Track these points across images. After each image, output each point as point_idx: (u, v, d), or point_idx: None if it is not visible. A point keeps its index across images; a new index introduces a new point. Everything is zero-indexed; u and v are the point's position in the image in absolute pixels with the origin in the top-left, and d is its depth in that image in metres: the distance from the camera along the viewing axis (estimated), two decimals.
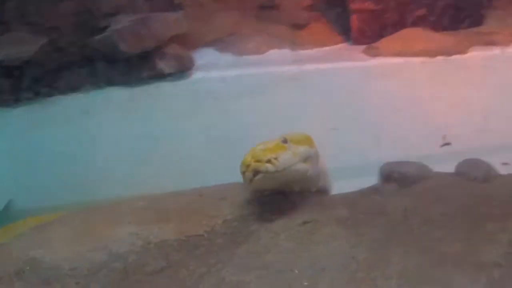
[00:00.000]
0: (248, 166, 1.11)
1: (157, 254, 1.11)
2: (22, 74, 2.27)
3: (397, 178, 1.32)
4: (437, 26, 2.51)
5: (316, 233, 1.13)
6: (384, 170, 1.35)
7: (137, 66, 2.34)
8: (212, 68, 2.45)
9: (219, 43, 2.56)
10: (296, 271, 1.03)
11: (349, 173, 1.85)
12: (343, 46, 2.58)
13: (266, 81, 2.38)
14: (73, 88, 2.34)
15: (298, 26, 2.63)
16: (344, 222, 1.18)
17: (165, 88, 2.37)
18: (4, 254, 1.20)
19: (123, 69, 2.34)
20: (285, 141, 1.17)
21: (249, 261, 1.07)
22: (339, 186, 1.41)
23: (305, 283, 1.00)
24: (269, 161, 1.10)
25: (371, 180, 1.37)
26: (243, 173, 1.13)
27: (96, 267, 1.09)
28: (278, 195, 1.24)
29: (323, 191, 1.37)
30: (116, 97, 2.35)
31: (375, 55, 2.38)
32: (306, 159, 1.19)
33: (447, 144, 1.37)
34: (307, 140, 1.24)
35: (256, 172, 1.11)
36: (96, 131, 2.35)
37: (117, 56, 2.29)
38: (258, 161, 1.11)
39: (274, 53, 2.56)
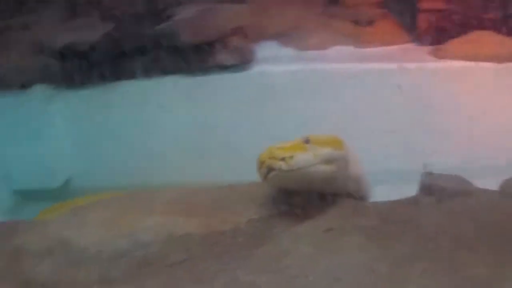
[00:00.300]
0: (262, 162, 1.11)
1: (178, 246, 1.12)
2: (88, 58, 2.33)
3: (436, 190, 1.27)
4: (509, 30, 2.38)
5: (339, 241, 1.11)
6: (424, 181, 1.31)
7: (198, 56, 2.37)
8: (273, 61, 2.44)
9: (282, 36, 2.55)
10: (311, 278, 1.02)
11: (401, 178, 1.81)
12: (409, 46, 2.51)
13: (326, 77, 2.35)
14: (136, 75, 2.39)
15: (363, 23, 2.57)
16: (371, 232, 1.15)
17: (224, 79, 2.39)
18: (43, 230, 1.25)
19: (184, 59, 2.37)
20: (307, 141, 1.14)
21: (265, 263, 1.06)
22: (387, 191, 1.37)
23: None
24: (283, 159, 1.08)
25: None
26: (259, 169, 1.12)
27: (119, 254, 1.12)
28: (308, 198, 1.23)
29: (359, 197, 1.34)
30: (176, 86, 2.39)
31: (442, 57, 2.30)
32: (329, 161, 1.15)
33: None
34: (335, 143, 1.20)
35: (270, 170, 1.10)
36: (155, 117, 2.40)
37: (179, 45, 2.32)
38: (272, 158, 1.09)
39: (337, 50, 2.52)
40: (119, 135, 2.47)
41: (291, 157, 1.09)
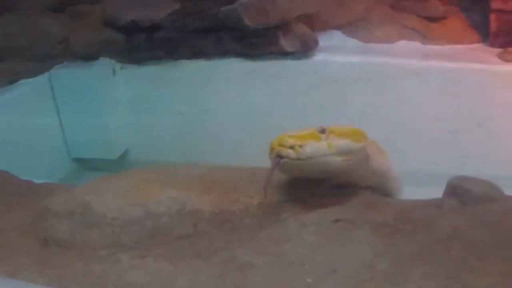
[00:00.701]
0: (272, 149, 1.10)
1: (187, 221, 1.14)
2: (152, 35, 2.39)
3: (461, 194, 1.23)
4: None
5: (345, 233, 1.10)
6: (450, 183, 1.26)
7: (261, 41, 2.38)
8: (336, 52, 2.42)
9: (348, 27, 2.51)
10: (306, 266, 1.01)
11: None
12: (477, 47, 2.41)
13: (389, 72, 2.31)
14: (197, 55, 2.44)
15: (432, 19, 2.49)
16: (381, 228, 1.13)
17: (285, 66, 2.39)
18: (70, 194, 1.31)
19: (246, 42, 2.39)
20: (322, 131, 1.11)
21: (266, 246, 1.07)
22: (436, 193, 1.33)
23: (309, 280, 0.98)
24: (292, 147, 1.07)
25: None
26: (269, 156, 1.11)
27: (131, 221, 1.16)
28: (324, 187, 1.22)
29: (383, 193, 1.32)
30: (236, 68, 2.42)
31: (509, 60, 2.19)
32: (345, 153, 1.12)
33: None
34: (354, 134, 1.16)
35: (278, 157, 1.08)
36: (213, 98, 2.45)
37: (242, 29, 2.33)
38: (281, 145, 1.08)
39: (402, 44, 2.46)
40: (177, 112, 2.53)
41: (301, 146, 1.07)
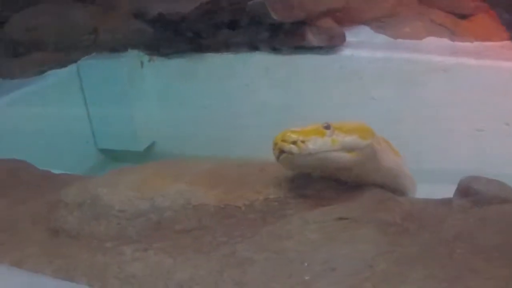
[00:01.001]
0: (276, 144, 1.09)
1: (191, 215, 1.15)
2: (179, 28, 2.41)
3: (472, 194, 1.21)
4: None
5: (348, 231, 1.09)
6: (461, 183, 1.24)
7: (287, 35, 2.38)
8: (363, 47, 2.40)
9: (376, 22, 2.49)
10: (306, 264, 1.01)
11: None
12: (506, 44, 2.34)
13: (416, 68, 2.29)
14: (224, 48, 2.44)
15: (462, 16, 2.44)
16: (386, 227, 1.12)
17: (311, 60, 2.39)
18: (83, 185, 1.33)
19: (273, 36, 2.38)
20: (327, 127, 1.10)
21: (267, 242, 1.07)
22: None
23: (306, 278, 0.98)
24: (295, 142, 1.06)
25: None
26: (273, 151, 1.11)
27: (137, 214, 1.17)
28: (331, 185, 1.21)
29: (394, 191, 1.30)
30: (262, 62, 2.43)
31: None
32: (351, 149, 1.11)
33: None
34: (361, 131, 1.14)
35: (281, 152, 1.08)
36: (239, 91, 2.44)
37: (268, 23, 2.33)
38: (284, 141, 1.07)
39: (431, 41, 2.42)
40: (203, 105, 2.55)
41: (304, 141, 1.06)
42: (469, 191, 1.22)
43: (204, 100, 2.56)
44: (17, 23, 2.50)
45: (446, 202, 1.23)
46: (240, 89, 2.51)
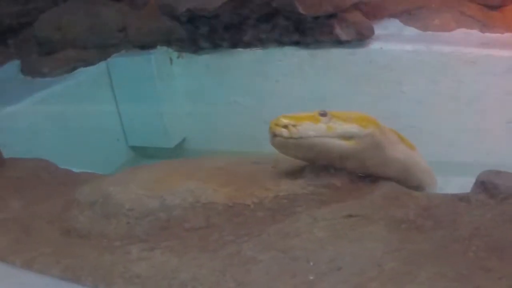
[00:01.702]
0: (270, 128, 1.11)
1: (200, 213, 1.14)
2: (208, 24, 2.40)
3: (490, 189, 1.16)
4: None
5: (357, 229, 1.06)
6: (480, 177, 1.19)
7: (316, 29, 2.35)
8: (393, 40, 2.36)
9: (405, 15, 2.43)
10: (311, 263, 0.99)
11: None
12: None
13: (446, 61, 2.23)
14: (253, 44, 2.42)
15: (492, 7, 2.36)
16: (397, 224, 1.08)
17: (340, 54, 2.36)
18: (97, 184, 1.33)
19: (301, 31, 2.36)
20: (324, 114, 1.12)
21: (274, 240, 1.05)
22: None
23: (311, 277, 0.95)
24: (286, 126, 1.08)
25: None
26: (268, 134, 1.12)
27: (146, 212, 1.16)
28: (347, 180, 1.18)
29: (411, 186, 1.27)
30: (292, 57, 2.41)
31: None
32: (349, 137, 1.12)
33: None
34: (362, 120, 1.15)
35: (274, 136, 1.10)
36: (269, 86, 2.43)
37: (296, 17, 2.30)
38: (276, 125, 1.09)
39: (461, 33, 2.35)
40: (233, 101, 2.53)
41: (295, 125, 1.08)
42: (487, 186, 1.17)
43: (234, 96, 2.55)
44: (47, 21, 2.53)
45: (464, 197, 1.19)
46: (270, 85, 2.49)
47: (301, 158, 1.19)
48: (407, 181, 1.25)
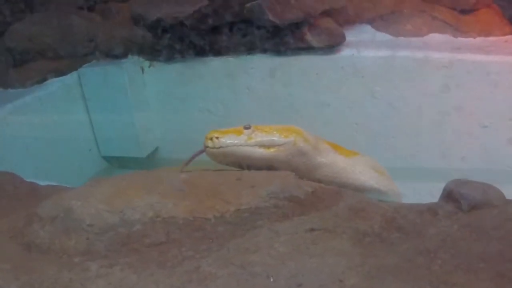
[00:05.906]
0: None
1: (160, 228, 1.11)
2: (178, 33, 2.37)
3: (457, 199, 1.14)
4: None
5: (319, 243, 1.04)
6: (447, 187, 1.18)
7: (286, 36, 2.33)
8: (364, 46, 2.35)
9: (378, 20, 2.43)
10: (271, 279, 0.96)
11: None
12: (510, 38, 2.27)
13: (418, 66, 2.23)
14: (225, 51, 2.40)
15: (464, 11, 2.37)
16: (361, 237, 1.06)
17: (311, 61, 2.35)
18: (58, 198, 1.29)
19: (272, 38, 2.34)
20: (248, 127, 1.31)
21: (233, 256, 1.02)
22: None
23: None
24: (211, 138, 1.29)
25: None
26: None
27: (106, 228, 1.13)
28: (311, 192, 1.16)
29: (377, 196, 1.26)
30: (262, 63, 2.39)
31: None
32: (269, 146, 1.30)
33: None
34: (283, 131, 1.31)
35: (205, 147, 1.31)
36: (239, 94, 2.41)
37: (266, 24, 2.29)
38: (206, 138, 1.31)
39: (433, 37, 2.36)
40: (205, 109, 2.51)
41: (218, 137, 1.29)
42: (454, 196, 1.16)
43: (206, 104, 2.52)
44: (16, 32, 2.49)
45: (432, 207, 1.17)
46: (242, 92, 2.47)
47: (231, 165, 1.33)
48: (346, 185, 1.34)
